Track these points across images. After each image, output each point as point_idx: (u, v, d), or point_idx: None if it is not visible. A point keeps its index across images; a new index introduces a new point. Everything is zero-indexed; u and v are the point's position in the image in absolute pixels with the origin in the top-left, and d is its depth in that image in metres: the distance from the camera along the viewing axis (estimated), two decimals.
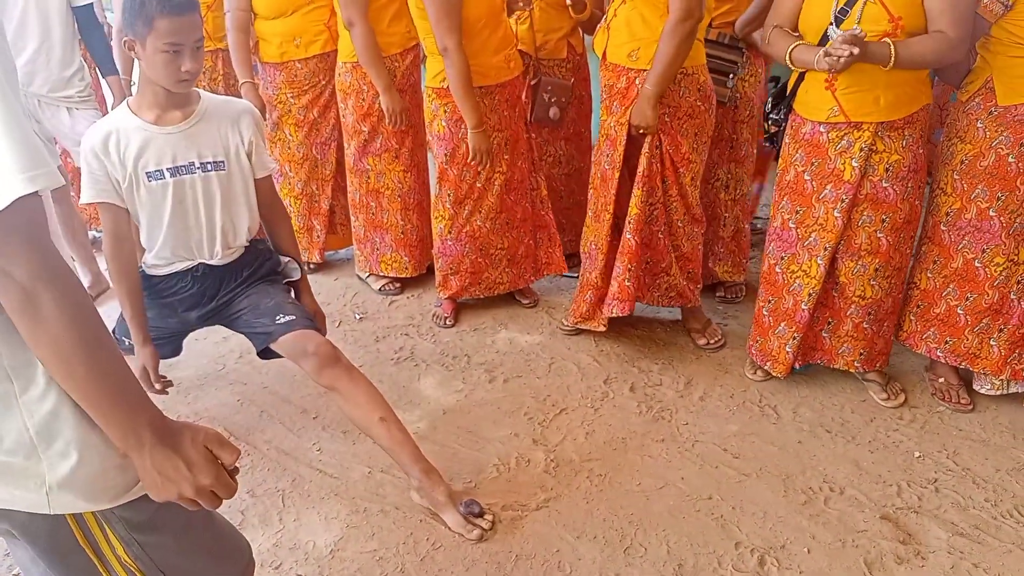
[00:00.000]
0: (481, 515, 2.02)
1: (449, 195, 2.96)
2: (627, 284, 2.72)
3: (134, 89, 3.43)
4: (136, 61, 1.88)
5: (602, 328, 2.83)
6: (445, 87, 2.77)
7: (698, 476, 2.22)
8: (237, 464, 1.05)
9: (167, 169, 1.95)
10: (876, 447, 2.34)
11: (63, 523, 1.03)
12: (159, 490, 0.99)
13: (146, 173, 1.94)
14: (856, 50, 2.11)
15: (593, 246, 2.85)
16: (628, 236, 2.70)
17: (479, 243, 3.02)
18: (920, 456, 2.29)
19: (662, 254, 2.77)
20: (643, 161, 2.64)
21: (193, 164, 1.97)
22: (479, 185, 2.93)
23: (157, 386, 2.06)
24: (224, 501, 1.04)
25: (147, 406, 0.98)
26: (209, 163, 1.99)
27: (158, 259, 2.06)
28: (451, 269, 3.08)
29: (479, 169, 2.90)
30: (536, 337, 2.99)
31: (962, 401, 2.53)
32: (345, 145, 3.35)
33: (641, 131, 2.59)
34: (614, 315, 2.76)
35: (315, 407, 2.54)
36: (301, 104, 3.39)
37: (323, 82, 3.37)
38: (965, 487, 2.17)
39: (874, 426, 2.44)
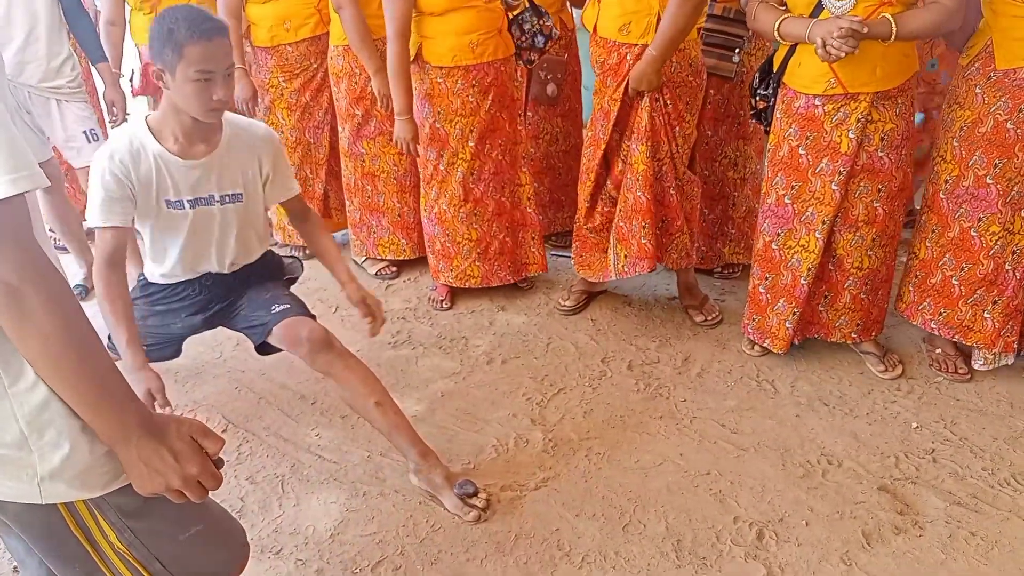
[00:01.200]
0: (475, 494, 2.02)
1: (420, 173, 3.00)
2: (644, 242, 2.71)
3: (123, 82, 3.42)
4: (163, 88, 1.84)
5: (598, 280, 2.87)
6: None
7: (696, 452, 2.22)
8: (222, 455, 1.05)
9: (187, 200, 1.94)
10: (874, 419, 2.34)
11: (55, 512, 1.04)
12: (146, 482, 0.99)
13: (165, 200, 1.93)
14: (855, 47, 2.10)
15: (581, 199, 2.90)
16: (639, 194, 2.69)
17: (446, 227, 3.01)
18: (918, 427, 2.30)
19: (675, 212, 2.76)
20: (644, 116, 2.62)
21: (213, 196, 1.97)
22: (441, 168, 2.92)
23: (166, 410, 1.94)
24: (214, 491, 1.04)
25: (133, 400, 0.99)
26: (228, 196, 1.99)
27: (166, 272, 2.06)
28: (429, 247, 3.08)
29: (440, 152, 2.89)
30: (533, 318, 2.99)
31: (960, 371, 2.53)
32: (339, 129, 3.34)
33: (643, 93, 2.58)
34: (636, 274, 2.76)
35: (313, 392, 2.55)
36: (293, 88, 3.37)
37: (314, 65, 3.35)
38: (963, 457, 2.17)
39: (872, 398, 2.44)
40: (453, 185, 2.92)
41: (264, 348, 2.12)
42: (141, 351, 1.87)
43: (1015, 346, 2.43)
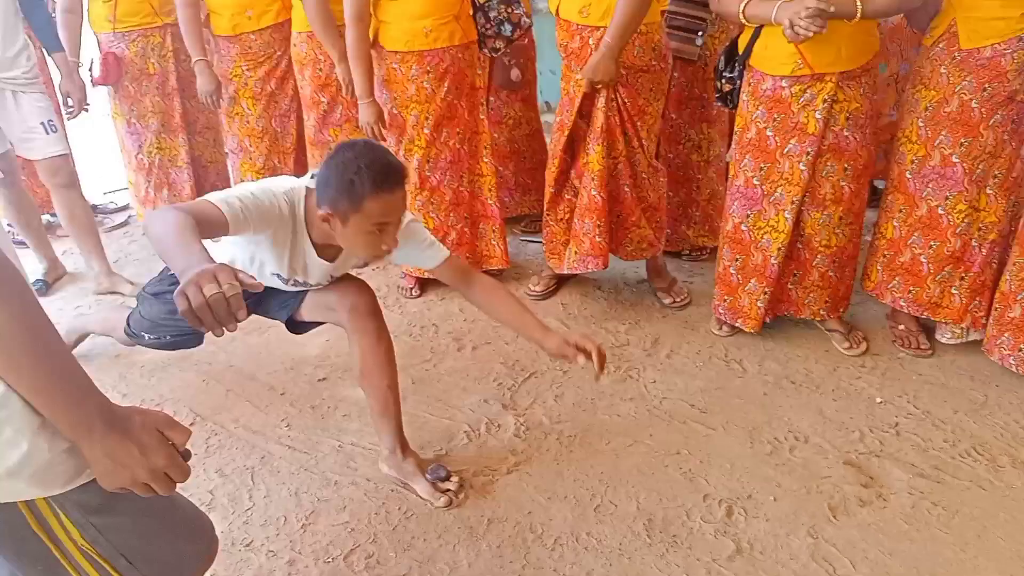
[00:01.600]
0: (447, 479, 2.03)
1: None
2: (598, 240, 2.72)
3: (82, 71, 3.34)
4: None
5: (560, 271, 2.90)
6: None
7: (666, 432, 2.24)
8: (189, 447, 1.04)
9: (295, 280, 1.90)
10: (839, 395, 2.38)
11: (15, 511, 1.02)
12: (112, 477, 0.98)
13: (274, 273, 1.86)
14: (823, 26, 2.12)
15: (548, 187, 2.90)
16: (593, 193, 2.70)
17: None
18: (882, 402, 2.34)
19: (630, 208, 2.78)
20: (599, 115, 2.63)
21: (319, 284, 1.95)
22: (400, 155, 2.90)
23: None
24: (182, 484, 1.03)
25: (94, 393, 0.97)
26: (332, 279, 1.97)
27: None
28: None
29: (399, 138, 2.87)
30: None
31: (922, 347, 2.58)
32: (305, 117, 3.30)
33: (598, 86, 2.57)
34: (589, 271, 2.78)
35: (282, 383, 2.53)
36: (257, 76, 3.33)
37: (279, 53, 3.31)
38: (925, 430, 2.21)
39: (837, 375, 2.48)
40: (410, 172, 2.90)
41: (294, 325, 2.06)
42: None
43: (983, 321, 2.48)
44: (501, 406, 2.39)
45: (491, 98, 3.31)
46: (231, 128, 3.46)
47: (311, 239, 1.78)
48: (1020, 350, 2.35)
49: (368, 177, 1.57)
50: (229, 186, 3.69)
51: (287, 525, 1.95)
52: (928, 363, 2.53)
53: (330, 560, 1.84)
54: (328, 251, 1.83)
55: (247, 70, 3.31)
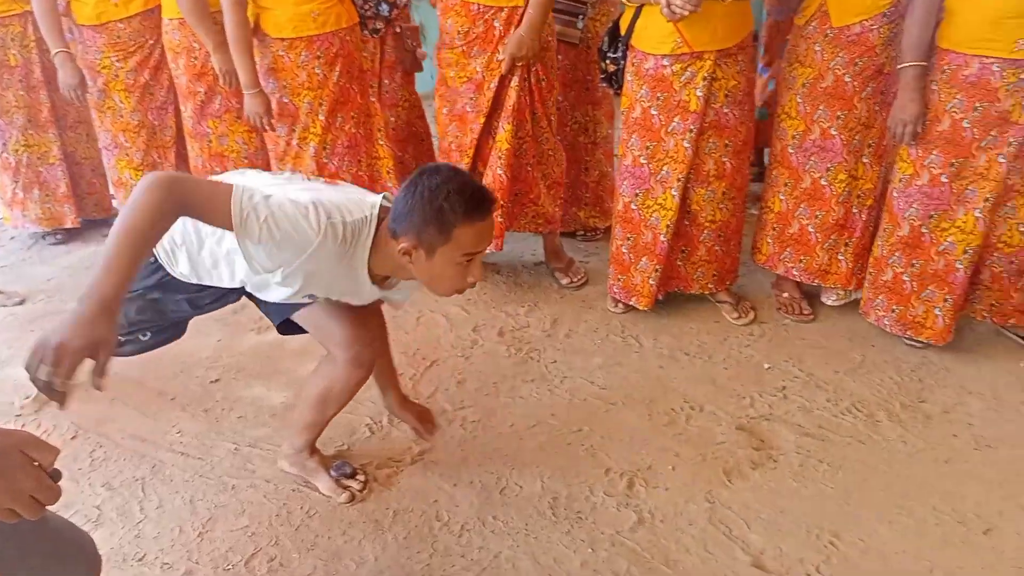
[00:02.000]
0: (353, 475, 2.00)
1: (271, 151, 2.90)
2: (499, 219, 2.72)
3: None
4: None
5: None
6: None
7: (568, 411, 2.28)
8: (58, 466, 0.97)
9: (324, 297, 1.71)
10: (730, 364, 2.47)
11: None
12: None
13: (307, 295, 1.67)
14: (698, 5, 2.17)
15: None
16: (499, 172, 2.70)
17: None
18: (769, 367, 2.45)
19: (531, 185, 2.80)
20: (513, 95, 2.64)
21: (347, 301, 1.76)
22: (294, 144, 2.82)
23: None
24: (52, 505, 0.96)
25: None
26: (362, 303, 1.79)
27: (221, 283, 1.73)
28: None
29: (291, 127, 2.80)
30: None
31: (805, 313, 2.71)
32: (182, 108, 3.15)
33: (519, 63, 2.58)
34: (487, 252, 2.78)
35: (171, 388, 2.42)
36: (129, 67, 3.15)
37: (151, 42, 3.14)
38: (809, 391, 2.33)
39: (728, 344, 2.57)
40: (307, 161, 2.82)
41: (287, 327, 1.89)
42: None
43: (862, 281, 2.63)
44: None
45: (385, 80, 3.25)
46: (103, 123, 3.27)
47: (368, 267, 1.58)
48: (893, 311, 2.50)
49: (460, 203, 1.43)
50: (107, 184, 3.52)
51: (182, 535, 1.87)
52: (810, 328, 2.66)
53: (230, 567, 1.78)
54: (381, 277, 1.64)
55: (117, 61, 3.13)
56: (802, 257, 2.67)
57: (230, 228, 1.40)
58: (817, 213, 2.60)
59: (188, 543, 1.84)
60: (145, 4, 3.07)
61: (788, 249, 2.69)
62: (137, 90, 3.19)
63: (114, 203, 3.51)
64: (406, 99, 3.36)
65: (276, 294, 1.67)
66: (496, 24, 2.57)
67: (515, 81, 2.62)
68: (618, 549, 1.79)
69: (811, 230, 2.63)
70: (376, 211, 1.53)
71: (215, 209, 1.38)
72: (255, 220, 1.39)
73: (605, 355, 2.54)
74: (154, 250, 1.62)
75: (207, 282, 1.73)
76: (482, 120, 2.72)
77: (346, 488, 1.96)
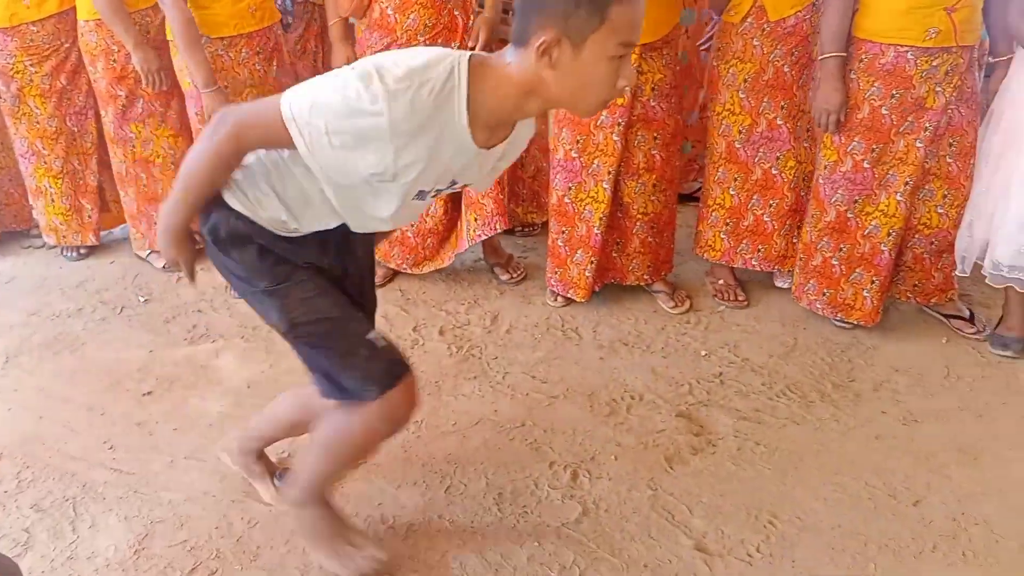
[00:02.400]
0: None
1: None
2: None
3: None
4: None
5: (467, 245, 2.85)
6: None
7: (510, 406, 2.28)
8: None
9: (435, 190, 1.43)
10: (668, 352, 2.51)
11: None
12: None
13: (419, 190, 1.39)
14: None
15: None
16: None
17: None
18: (706, 354, 2.50)
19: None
20: None
21: (454, 183, 1.44)
22: None
23: None
24: None
25: None
26: (458, 185, 1.47)
27: (298, 228, 1.51)
28: None
29: None
30: None
31: (739, 299, 2.77)
32: (102, 113, 3.04)
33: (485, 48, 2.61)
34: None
35: (101, 403, 2.34)
36: (44, 72, 3.02)
37: (66, 45, 3.02)
38: (745, 376, 2.39)
39: (665, 333, 2.62)
40: None
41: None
42: None
43: None
44: None
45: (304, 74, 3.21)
46: (18, 130, 3.13)
47: (475, 138, 1.30)
48: (824, 294, 2.58)
49: None
50: (26, 194, 3.37)
51: (118, 553, 1.81)
52: (745, 313, 2.72)
53: None
54: (490, 139, 1.35)
55: (31, 65, 3.00)
56: (760, 247, 2.73)
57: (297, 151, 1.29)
58: (771, 202, 2.67)
59: (124, 561, 1.79)
60: (60, 5, 2.95)
61: (744, 241, 2.75)
62: (54, 95, 3.06)
63: (34, 213, 3.37)
64: None
65: (384, 206, 1.41)
66: (457, 14, 2.59)
67: None
68: (564, 541, 1.81)
69: (767, 219, 2.69)
70: (463, 55, 1.27)
71: (280, 138, 1.29)
72: (320, 133, 1.25)
73: (546, 349, 2.55)
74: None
75: (305, 227, 1.50)
76: None
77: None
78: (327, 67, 3.21)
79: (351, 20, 2.71)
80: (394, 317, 2.75)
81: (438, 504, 1.93)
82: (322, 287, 1.55)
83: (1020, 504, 1.90)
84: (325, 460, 1.69)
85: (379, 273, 2.97)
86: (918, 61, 2.29)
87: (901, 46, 2.29)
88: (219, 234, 1.50)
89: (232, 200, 1.47)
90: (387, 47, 2.58)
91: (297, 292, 1.52)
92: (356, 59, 2.60)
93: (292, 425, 1.90)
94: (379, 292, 2.87)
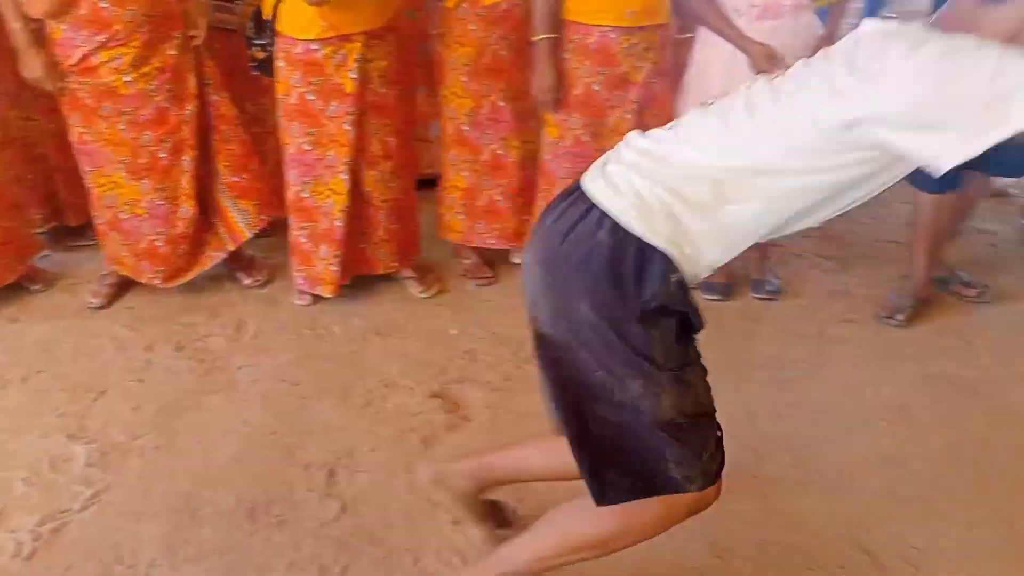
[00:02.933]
0: None
1: None
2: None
3: None
4: None
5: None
6: None
7: (260, 415, 2.17)
8: None
9: None
10: (420, 336, 2.53)
11: None
12: None
13: None
14: None
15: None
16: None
17: None
18: (457, 333, 2.54)
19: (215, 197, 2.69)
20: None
21: None
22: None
23: None
24: None
25: None
26: None
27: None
28: None
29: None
30: (56, 323, 2.60)
31: (486, 276, 2.86)
32: None
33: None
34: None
35: None
36: None
37: None
38: (495, 349, 2.46)
39: (417, 318, 2.63)
40: None
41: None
42: None
43: None
44: (66, 437, 2.08)
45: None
46: None
47: None
48: None
49: None
50: None
51: None
52: (492, 290, 2.82)
53: None
54: None
55: None
56: (496, 226, 2.81)
57: None
58: (501, 182, 2.74)
59: None
60: None
61: (481, 221, 2.81)
62: None
63: None
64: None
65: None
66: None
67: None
68: (322, 542, 1.75)
69: (498, 199, 2.77)
70: None
71: None
72: None
73: (295, 350, 2.46)
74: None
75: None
76: None
77: None
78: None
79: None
80: (123, 339, 2.51)
81: (185, 529, 1.80)
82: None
83: None
84: (569, 548, 1.42)
85: (103, 292, 2.70)
86: (620, 39, 2.47)
87: (604, 26, 2.46)
88: (649, 305, 1.18)
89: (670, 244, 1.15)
90: (103, 44, 2.34)
91: (700, 376, 1.25)
92: (54, 63, 2.34)
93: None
94: (104, 314, 2.64)
